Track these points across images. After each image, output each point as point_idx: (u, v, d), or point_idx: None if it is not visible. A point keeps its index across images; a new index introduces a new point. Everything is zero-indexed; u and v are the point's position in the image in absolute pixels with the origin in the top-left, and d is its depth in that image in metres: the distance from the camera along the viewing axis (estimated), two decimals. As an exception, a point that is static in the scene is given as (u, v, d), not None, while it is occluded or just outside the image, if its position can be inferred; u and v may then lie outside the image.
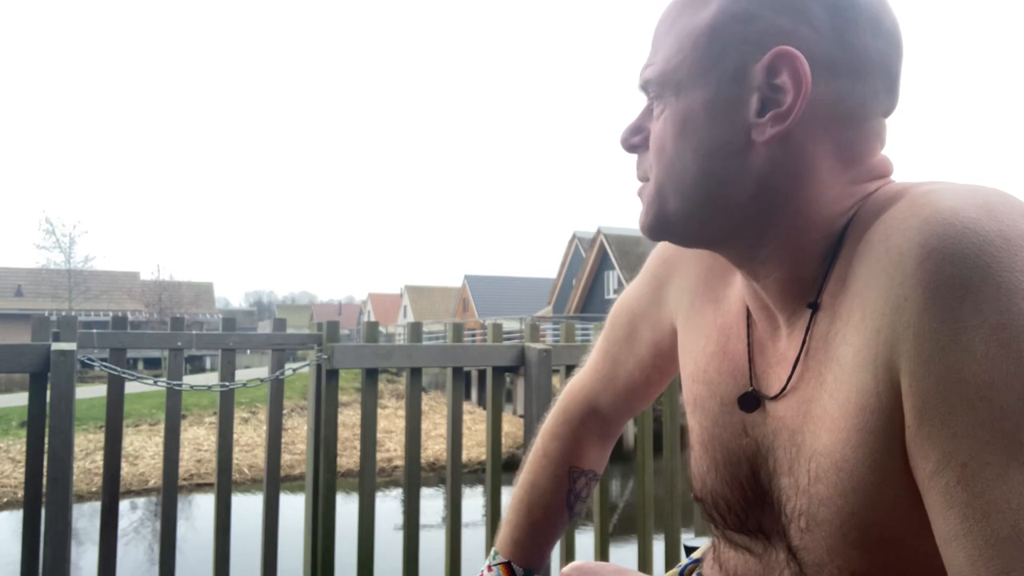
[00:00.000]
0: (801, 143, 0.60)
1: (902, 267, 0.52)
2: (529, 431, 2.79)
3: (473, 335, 21.16)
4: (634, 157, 0.70)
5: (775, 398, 0.66)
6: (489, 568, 0.96)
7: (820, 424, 0.59)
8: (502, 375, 2.88)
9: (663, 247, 0.87)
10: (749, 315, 0.71)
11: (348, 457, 6.42)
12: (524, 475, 0.99)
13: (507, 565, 0.96)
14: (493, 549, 0.98)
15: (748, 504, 0.69)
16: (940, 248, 0.50)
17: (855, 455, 0.56)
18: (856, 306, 0.57)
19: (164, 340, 2.61)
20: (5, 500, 9.03)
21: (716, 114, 0.61)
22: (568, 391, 1.01)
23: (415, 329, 2.95)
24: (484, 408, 3.41)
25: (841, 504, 0.57)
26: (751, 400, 0.68)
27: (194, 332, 2.65)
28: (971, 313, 0.48)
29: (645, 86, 0.67)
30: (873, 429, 0.55)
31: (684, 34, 0.64)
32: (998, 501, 0.46)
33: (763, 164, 0.60)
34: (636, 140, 0.68)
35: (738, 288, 0.74)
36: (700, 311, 0.78)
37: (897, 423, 0.53)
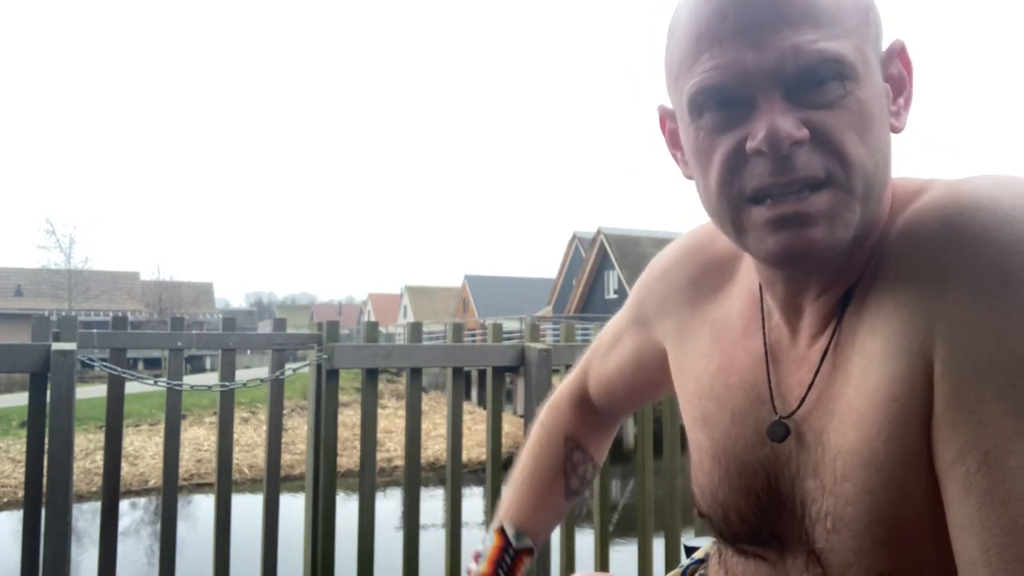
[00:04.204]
0: None
1: (939, 254, 0.52)
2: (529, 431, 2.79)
3: (473, 335, 21.13)
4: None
5: (797, 410, 0.63)
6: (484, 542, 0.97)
7: (846, 420, 0.58)
8: (502, 375, 2.88)
9: (647, 277, 0.88)
10: (763, 328, 0.69)
11: (348, 457, 6.39)
12: (522, 450, 1.02)
13: (500, 530, 0.95)
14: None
15: (763, 513, 0.68)
16: (981, 235, 0.50)
17: (885, 449, 0.55)
18: (888, 296, 0.56)
19: (164, 340, 2.62)
20: (5, 500, 9.02)
21: (883, 101, 0.58)
22: (563, 385, 1.04)
23: (415, 329, 2.95)
24: (484, 408, 3.41)
25: (869, 502, 0.56)
26: (780, 429, 0.64)
27: (194, 332, 2.66)
28: (1009, 300, 0.48)
29: (820, 64, 0.53)
30: (905, 420, 0.53)
31: (847, 7, 0.55)
32: (1018, 489, 0.46)
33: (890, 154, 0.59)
34: (804, 133, 0.54)
35: (735, 307, 0.73)
36: (694, 333, 0.77)
37: (928, 412, 0.52)
